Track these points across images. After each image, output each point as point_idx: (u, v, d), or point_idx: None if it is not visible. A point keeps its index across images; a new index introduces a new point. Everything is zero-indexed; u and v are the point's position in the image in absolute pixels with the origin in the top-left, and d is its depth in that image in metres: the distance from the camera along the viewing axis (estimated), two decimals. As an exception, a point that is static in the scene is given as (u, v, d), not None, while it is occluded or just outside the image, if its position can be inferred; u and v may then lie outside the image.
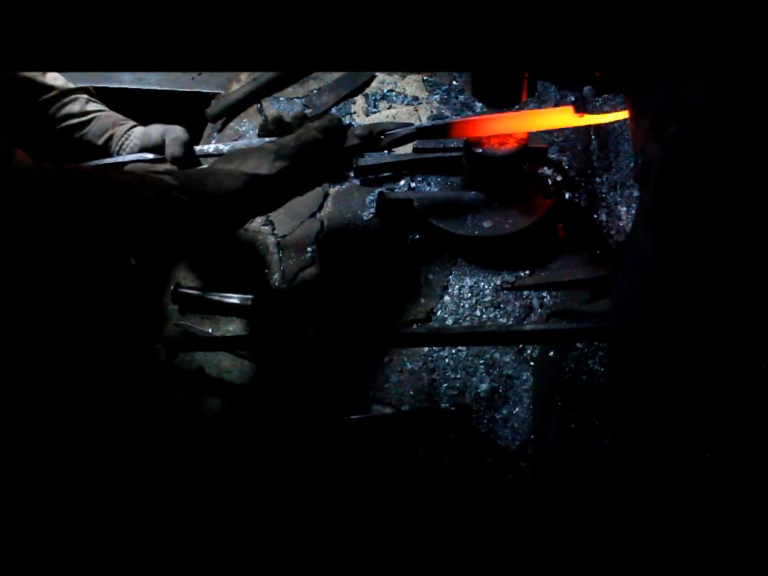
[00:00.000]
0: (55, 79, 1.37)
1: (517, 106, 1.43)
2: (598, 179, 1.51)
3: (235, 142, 1.39)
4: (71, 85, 1.38)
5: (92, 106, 1.39)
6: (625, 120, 1.59)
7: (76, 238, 0.97)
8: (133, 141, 1.35)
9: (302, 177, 1.22)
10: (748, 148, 0.74)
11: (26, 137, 1.24)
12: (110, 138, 1.36)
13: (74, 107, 1.36)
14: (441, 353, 1.28)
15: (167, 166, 1.31)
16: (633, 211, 1.43)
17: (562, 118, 1.35)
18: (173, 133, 1.33)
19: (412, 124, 1.38)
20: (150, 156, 1.33)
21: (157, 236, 1.07)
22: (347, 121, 1.65)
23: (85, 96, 1.39)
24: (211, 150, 1.38)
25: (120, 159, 1.34)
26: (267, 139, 1.39)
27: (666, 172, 0.77)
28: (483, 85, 1.25)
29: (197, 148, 1.37)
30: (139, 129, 1.38)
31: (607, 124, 1.60)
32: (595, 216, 1.45)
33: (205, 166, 1.25)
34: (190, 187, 1.09)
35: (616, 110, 1.46)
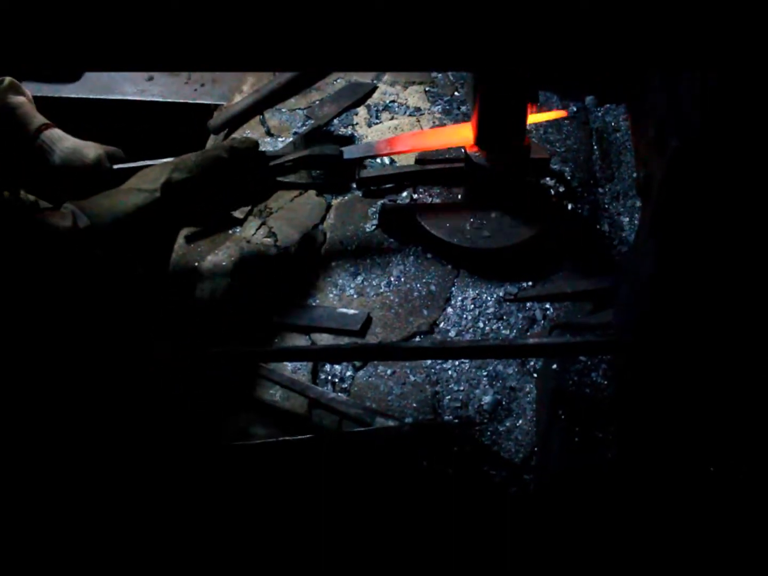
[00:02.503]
0: None
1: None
2: (600, 190, 1.51)
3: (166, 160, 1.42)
4: None
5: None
6: (627, 130, 1.60)
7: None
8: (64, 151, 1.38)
9: (206, 193, 1.26)
10: (752, 160, 0.73)
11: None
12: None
13: None
14: (444, 365, 1.27)
15: None
16: (635, 222, 1.43)
17: (466, 133, 1.39)
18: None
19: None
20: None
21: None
22: (349, 132, 1.66)
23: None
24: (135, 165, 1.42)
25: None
26: None
27: (668, 185, 0.76)
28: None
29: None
30: (71, 140, 1.40)
31: (609, 134, 1.60)
32: (597, 227, 1.45)
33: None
34: (92, 214, 1.13)
35: None
